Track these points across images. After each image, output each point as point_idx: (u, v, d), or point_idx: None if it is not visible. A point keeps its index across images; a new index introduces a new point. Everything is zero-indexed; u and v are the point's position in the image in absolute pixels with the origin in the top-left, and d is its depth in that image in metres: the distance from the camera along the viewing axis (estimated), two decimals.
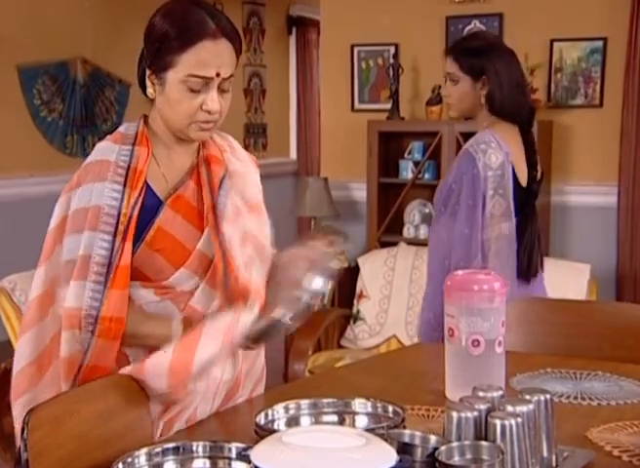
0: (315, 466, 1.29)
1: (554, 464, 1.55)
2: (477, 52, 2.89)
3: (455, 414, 1.46)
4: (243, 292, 1.91)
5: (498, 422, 1.43)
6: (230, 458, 1.52)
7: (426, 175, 5.16)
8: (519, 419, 1.44)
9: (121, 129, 2.00)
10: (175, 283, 1.92)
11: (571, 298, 3.55)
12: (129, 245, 1.86)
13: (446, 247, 2.85)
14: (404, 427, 1.59)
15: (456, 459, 1.40)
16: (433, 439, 1.46)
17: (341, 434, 1.42)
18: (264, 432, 1.56)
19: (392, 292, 4.72)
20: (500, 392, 1.55)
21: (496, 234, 2.83)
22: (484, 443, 1.43)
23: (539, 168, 2.95)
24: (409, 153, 5.27)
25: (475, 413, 1.47)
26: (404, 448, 1.42)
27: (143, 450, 1.51)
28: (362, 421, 1.73)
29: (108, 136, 1.99)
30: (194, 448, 1.54)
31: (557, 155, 4.91)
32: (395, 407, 1.69)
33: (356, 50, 5.44)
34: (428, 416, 1.85)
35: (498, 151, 2.83)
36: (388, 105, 5.21)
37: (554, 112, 4.92)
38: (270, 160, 7.54)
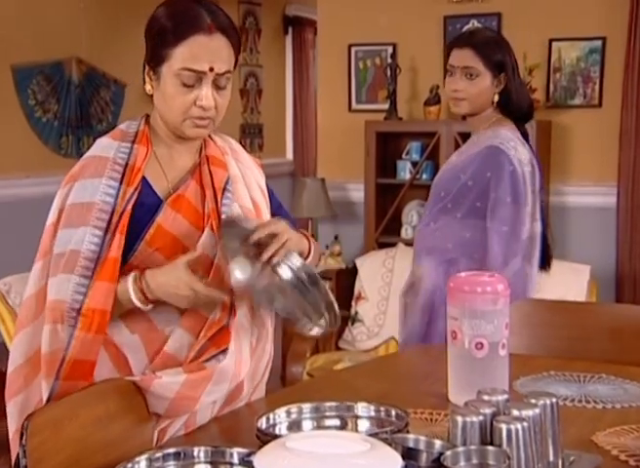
0: None
1: None
2: (499, 46, 2.80)
3: (460, 419, 1.44)
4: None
5: (504, 427, 1.41)
6: (232, 464, 1.49)
7: (424, 176, 5.14)
8: (525, 424, 1.42)
9: (122, 126, 2.00)
10: None
11: (571, 300, 3.53)
12: (119, 237, 1.85)
13: (469, 244, 2.77)
14: (407, 431, 1.57)
15: (462, 464, 1.38)
16: (438, 443, 1.44)
17: (346, 439, 1.39)
18: (266, 436, 1.53)
19: (391, 294, 4.70)
20: (506, 396, 1.53)
21: (532, 232, 2.77)
22: (490, 448, 1.40)
23: None
24: (407, 153, 5.25)
25: (480, 418, 1.44)
26: (409, 454, 1.40)
27: (144, 456, 1.48)
28: (365, 425, 1.70)
29: (109, 133, 1.98)
30: (195, 454, 1.52)
31: (556, 155, 4.89)
32: (398, 410, 1.67)
33: (353, 50, 5.42)
34: (431, 420, 1.83)
35: (523, 148, 2.78)
36: (386, 105, 5.19)
37: (553, 112, 4.90)
38: (266, 160, 7.43)
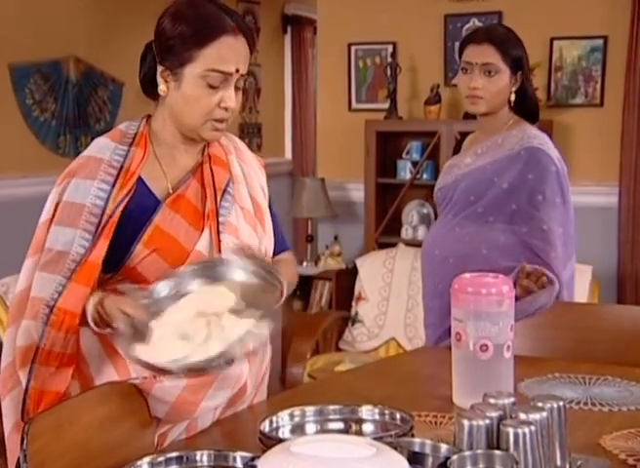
0: None
1: None
2: (518, 43, 2.69)
3: (466, 422, 1.42)
4: None
5: (511, 430, 1.39)
6: None
7: (425, 176, 5.12)
8: (532, 427, 1.40)
9: (122, 127, 1.97)
10: None
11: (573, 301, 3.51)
12: (103, 241, 1.83)
13: (504, 248, 2.60)
14: (412, 435, 1.55)
15: None
16: (444, 448, 1.42)
17: (352, 444, 1.37)
18: (269, 440, 1.52)
19: (391, 294, 4.69)
20: (512, 399, 1.51)
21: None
22: (497, 452, 1.39)
23: None
24: (407, 153, 5.23)
25: (487, 421, 1.43)
26: (415, 458, 1.39)
27: (146, 460, 1.47)
28: (369, 428, 1.68)
29: (108, 133, 1.96)
30: (198, 458, 1.51)
31: None
32: (403, 413, 1.65)
33: (353, 48, 5.40)
34: (436, 423, 1.82)
35: (554, 147, 2.71)
36: (386, 105, 5.17)
37: (554, 111, 4.88)
38: (265, 160, 7.43)
